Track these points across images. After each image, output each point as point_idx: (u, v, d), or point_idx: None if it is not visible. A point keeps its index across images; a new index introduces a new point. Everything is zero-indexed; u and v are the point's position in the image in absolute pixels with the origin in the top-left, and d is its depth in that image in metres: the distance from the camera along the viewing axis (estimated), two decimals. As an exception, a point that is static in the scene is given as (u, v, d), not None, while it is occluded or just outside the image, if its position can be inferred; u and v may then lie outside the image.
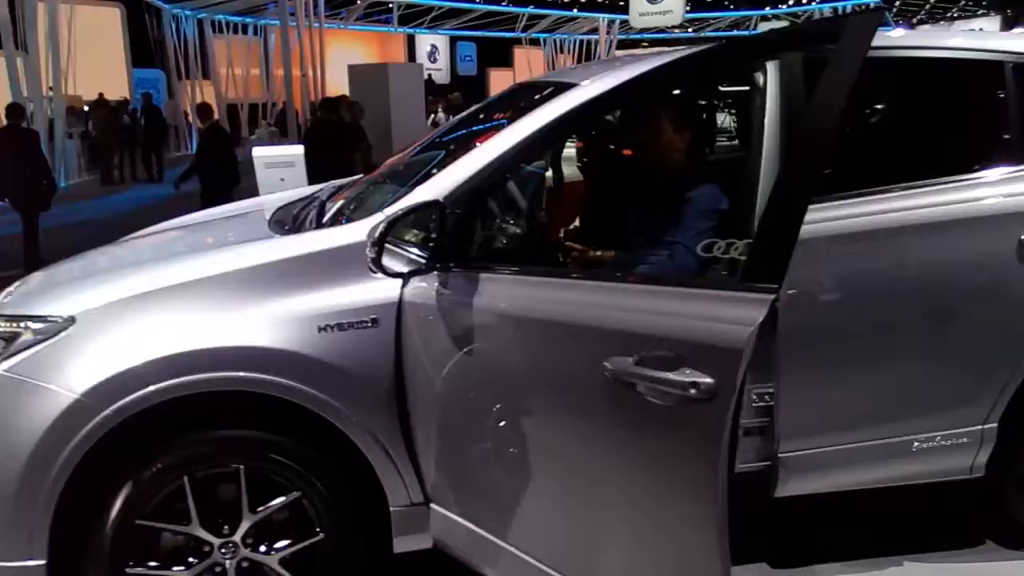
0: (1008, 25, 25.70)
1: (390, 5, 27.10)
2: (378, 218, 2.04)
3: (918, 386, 2.37)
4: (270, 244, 2.27)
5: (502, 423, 1.99)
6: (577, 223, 3.43)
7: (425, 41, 31.66)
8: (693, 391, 1.56)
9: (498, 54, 32.91)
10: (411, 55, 29.97)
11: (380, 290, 2.04)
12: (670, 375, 1.59)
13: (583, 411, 1.83)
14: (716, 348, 1.55)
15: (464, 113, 3.22)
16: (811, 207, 2.20)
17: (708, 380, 1.55)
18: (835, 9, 27.55)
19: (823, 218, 2.21)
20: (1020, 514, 2.55)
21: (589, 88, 2.25)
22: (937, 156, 2.45)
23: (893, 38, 2.69)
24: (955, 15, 28.17)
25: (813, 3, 30.83)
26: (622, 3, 21.79)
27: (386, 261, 2.00)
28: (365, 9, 27.43)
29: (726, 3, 34.18)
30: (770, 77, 2.33)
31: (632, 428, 1.72)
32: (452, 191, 2.06)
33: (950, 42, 2.56)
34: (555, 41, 32.78)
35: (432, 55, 31.35)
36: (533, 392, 1.95)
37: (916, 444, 2.39)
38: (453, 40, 32.68)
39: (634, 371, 1.65)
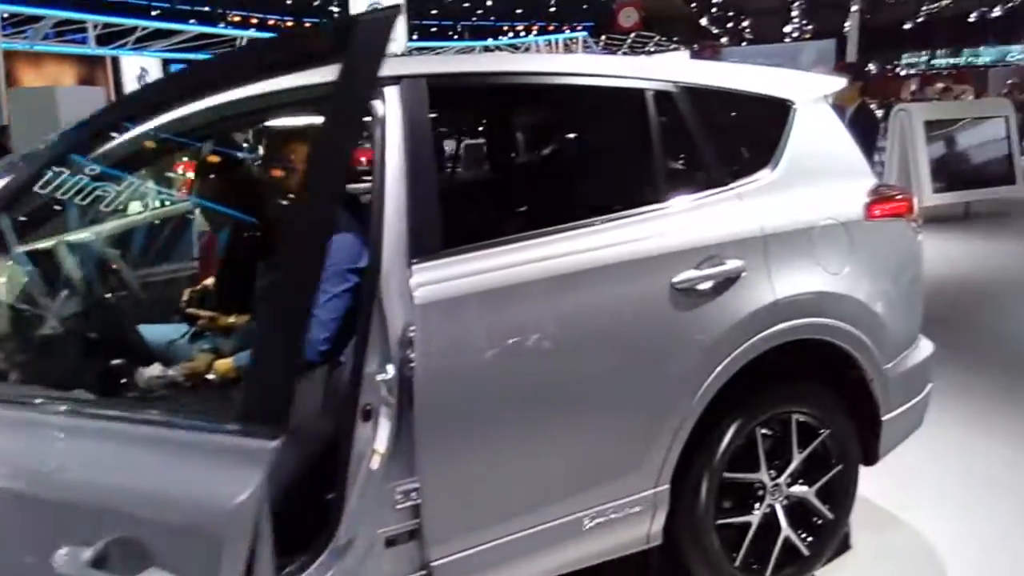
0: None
1: (85, 24, 24.24)
2: None
3: (581, 455, 2.08)
4: None
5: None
6: (212, 281, 2.85)
7: (133, 63, 28.77)
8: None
9: (219, 79, 30.76)
10: (117, 78, 27.03)
11: None
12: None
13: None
14: (183, 533, 1.05)
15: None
16: (433, 263, 1.88)
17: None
18: (550, 42, 29.22)
19: (450, 275, 1.85)
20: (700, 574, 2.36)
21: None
22: (584, 195, 2.20)
23: (517, 62, 2.35)
24: (652, 50, 31.14)
25: (531, 35, 32.59)
26: (347, 30, 21.28)
27: None
28: (56, 28, 24.31)
29: (451, 34, 35.07)
30: (389, 104, 1.93)
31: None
32: None
33: (594, 68, 2.31)
34: (280, 67, 31.38)
35: (142, 78, 28.56)
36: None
37: (587, 522, 2.10)
38: (166, 62, 30.05)
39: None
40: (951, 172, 9.83)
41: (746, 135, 2.47)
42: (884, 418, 2.53)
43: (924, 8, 29.45)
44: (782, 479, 2.42)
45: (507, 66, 2.23)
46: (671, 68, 2.35)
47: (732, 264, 2.19)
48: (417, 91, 1.94)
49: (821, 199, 2.39)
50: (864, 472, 2.63)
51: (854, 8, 23.19)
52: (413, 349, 1.81)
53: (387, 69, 1.99)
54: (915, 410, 2.67)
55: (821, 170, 2.43)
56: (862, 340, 2.40)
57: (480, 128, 2.16)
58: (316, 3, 30.45)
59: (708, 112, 2.33)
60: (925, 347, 2.72)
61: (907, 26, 31.72)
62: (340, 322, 2.01)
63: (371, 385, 1.85)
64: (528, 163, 2.30)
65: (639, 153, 2.27)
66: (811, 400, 2.43)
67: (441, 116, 1.92)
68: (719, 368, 2.18)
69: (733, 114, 2.46)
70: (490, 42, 33.68)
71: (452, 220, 1.93)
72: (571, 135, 2.32)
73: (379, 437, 1.85)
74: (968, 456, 3.47)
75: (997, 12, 29.00)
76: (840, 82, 2.62)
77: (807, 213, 2.34)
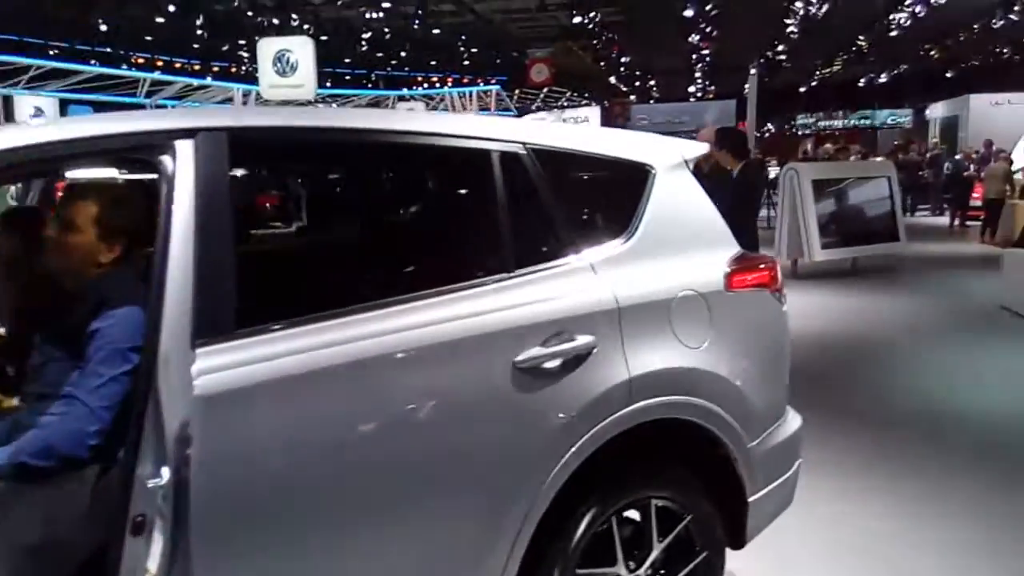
0: (608, 118, 29.48)
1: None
2: None
3: (407, 563, 1.82)
4: None
5: None
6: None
7: (27, 103, 27.47)
8: None
9: (121, 120, 29.50)
10: (8, 118, 25.69)
11: None
12: None
13: None
14: None
15: None
16: (223, 345, 1.62)
17: None
18: (464, 95, 29.43)
19: (243, 360, 1.59)
20: None
21: None
22: (416, 265, 1.99)
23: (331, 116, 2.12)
24: (564, 104, 31.78)
25: (446, 87, 32.74)
26: (258, 75, 20.92)
27: None
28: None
29: (365, 83, 34.96)
30: (180, 159, 1.67)
31: None
32: None
33: (433, 127, 2.08)
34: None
35: (36, 118, 27.29)
36: None
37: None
38: (64, 103, 28.79)
39: None
40: (839, 229, 10.19)
41: (601, 201, 2.32)
42: (751, 499, 2.37)
43: (818, 73, 31.14)
44: (642, 571, 2.21)
45: (332, 122, 2.01)
46: (521, 128, 2.18)
47: (582, 340, 2.00)
48: (216, 146, 1.70)
49: (680, 269, 2.24)
50: (737, 554, 2.47)
51: (752, 71, 24.28)
52: (192, 449, 1.54)
53: (181, 120, 1.76)
54: (784, 488, 2.53)
55: (680, 239, 2.30)
56: (724, 418, 2.24)
57: (295, 190, 1.92)
58: (224, 48, 29.82)
59: (560, 176, 2.17)
60: (793, 421, 2.59)
61: (802, 89, 33.44)
62: (116, 411, 1.72)
63: (143, 491, 1.56)
64: (352, 230, 2.07)
65: (481, 219, 2.08)
66: (671, 484, 2.25)
67: (246, 175, 1.67)
68: (568, 455, 1.97)
69: (587, 179, 2.31)
70: (404, 92, 33.71)
71: (251, 294, 1.67)
72: (404, 199, 2.11)
73: (152, 555, 1.56)
74: (844, 531, 3.37)
75: (883, 79, 30.92)
76: (702, 147, 2.52)
77: (664, 284, 2.19)
